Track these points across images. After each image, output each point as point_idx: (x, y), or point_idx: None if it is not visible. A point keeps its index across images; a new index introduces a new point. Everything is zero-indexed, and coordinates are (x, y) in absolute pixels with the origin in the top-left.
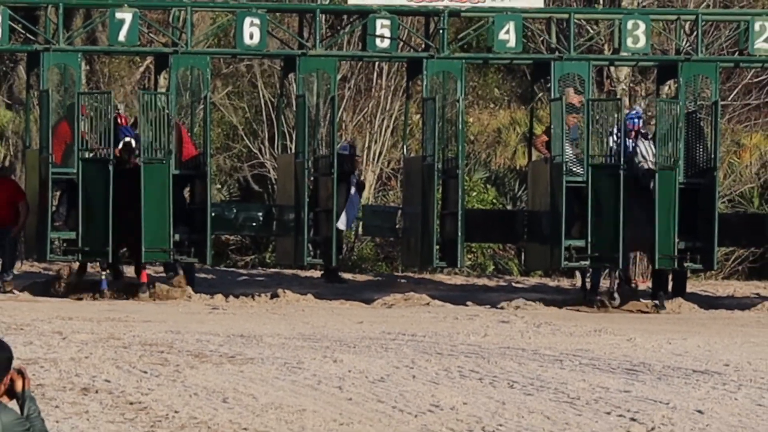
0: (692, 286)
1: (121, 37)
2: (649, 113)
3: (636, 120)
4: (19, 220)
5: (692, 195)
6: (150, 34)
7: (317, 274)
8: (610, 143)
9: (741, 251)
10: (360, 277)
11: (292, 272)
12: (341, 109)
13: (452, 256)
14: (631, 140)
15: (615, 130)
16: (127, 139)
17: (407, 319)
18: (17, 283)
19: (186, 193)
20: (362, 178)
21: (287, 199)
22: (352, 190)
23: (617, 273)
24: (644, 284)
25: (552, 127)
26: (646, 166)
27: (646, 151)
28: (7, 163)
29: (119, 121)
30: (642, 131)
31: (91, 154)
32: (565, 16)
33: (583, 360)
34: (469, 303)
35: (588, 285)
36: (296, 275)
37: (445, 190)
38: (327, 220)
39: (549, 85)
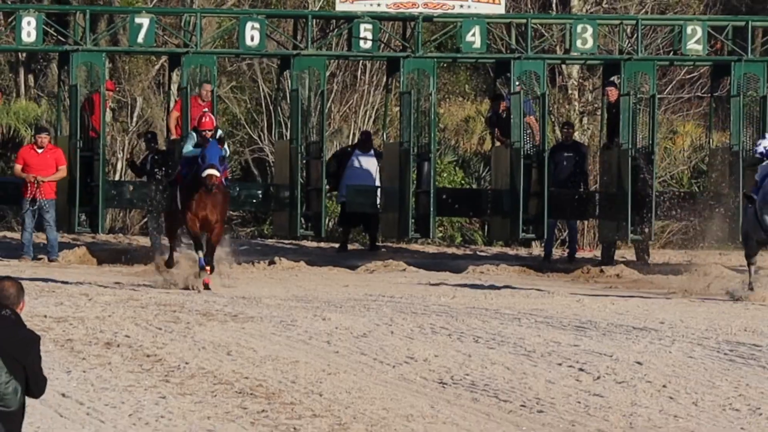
0: (631, 254)
1: (140, 39)
2: (595, 105)
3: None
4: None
5: (633, 174)
6: (164, 37)
7: (310, 244)
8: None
9: (675, 224)
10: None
11: (288, 242)
12: (329, 102)
13: (425, 229)
14: None
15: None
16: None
17: (387, 283)
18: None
19: None
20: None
21: (283, 179)
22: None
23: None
24: (590, 252)
25: (510, 116)
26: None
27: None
28: None
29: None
30: None
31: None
32: (523, 21)
33: (538, 318)
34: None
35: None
36: (291, 245)
37: (419, 171)
38: (317, 197)
39: (509, 80)
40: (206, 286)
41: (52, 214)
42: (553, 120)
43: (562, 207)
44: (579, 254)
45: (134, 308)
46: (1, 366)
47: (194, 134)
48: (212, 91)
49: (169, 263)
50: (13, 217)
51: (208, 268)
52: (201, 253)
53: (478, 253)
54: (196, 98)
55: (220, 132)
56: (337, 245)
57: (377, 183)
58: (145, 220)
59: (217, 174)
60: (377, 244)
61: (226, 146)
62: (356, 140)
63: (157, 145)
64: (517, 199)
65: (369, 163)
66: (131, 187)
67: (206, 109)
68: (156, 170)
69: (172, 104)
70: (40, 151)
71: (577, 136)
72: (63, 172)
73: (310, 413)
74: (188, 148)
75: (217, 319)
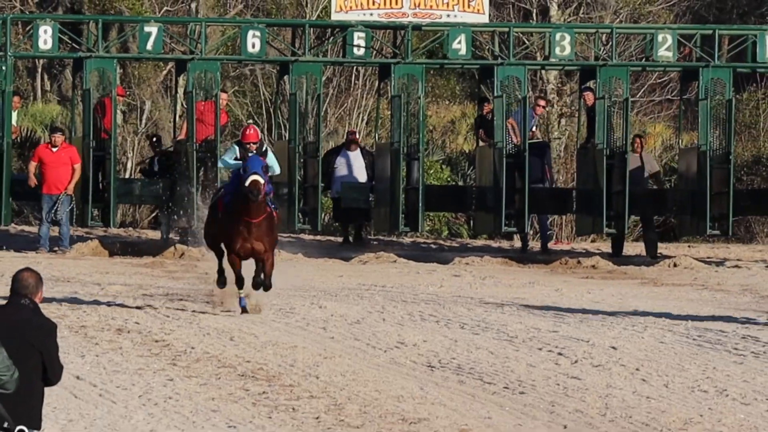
0: (606, 247)
1: (149, 46)
2: (573, 108)
3: None
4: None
5: (608, 173)
6: (171, 44)
7: (307, 237)
8: None
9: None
10: (341, 239)
11: (287, 236)
12: (325, 105)
13: (414, 223)
14: None
15: None
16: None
17: (378, 274)
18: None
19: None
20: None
21: (281, 176)
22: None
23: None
24: (568, 245)
25: (493, 118)
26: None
27: None
28: None
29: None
30: None
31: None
32: (506, 29)
33: (519, 306)
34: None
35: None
36: (290, 238)
37: (408, 169)
38: (314, 194)
39: (493, 85)
40: (244, 309)
41: (65, 208)
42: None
43: (543, 203)
44: (557, 246)
45: (143, 297)
46: (8, 359)
47: (236, 147)
48: (216, 95)
49: (221, 283)
50: (30, 212)
51: (253, 304)
52: (242, 292)
53: (463, 245)
54: (202, 103)
55: (266, 146)
56: (332, 239)
57: (364, 179)
58: (153, 214)
59: (261, 180)
60: (362, 237)
61: (274, 160)
62: (344, 140)
63: (162, 148)
64: (500, 196)
65: (356, 161)
66: (140, 185)
67: (250, 121)
68: (162, 170)
69: (179, 108)
70: (54, 149)
71: (556, 135)
72: (78, 170)
73: (308, 394)
74: (226, 159)
75: (221, 307)
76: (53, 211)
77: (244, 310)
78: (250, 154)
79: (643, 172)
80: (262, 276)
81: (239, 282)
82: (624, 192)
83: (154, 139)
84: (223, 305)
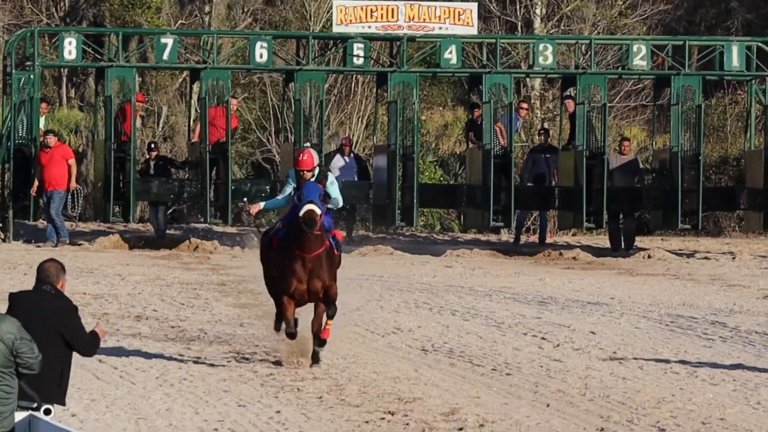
0: (588, 239)
1: (165, 56)
2: (555, 112)
3: None
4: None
5: (588, 172)
6: (186, 54)
7: None
8: None
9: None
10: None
11: None
12: (327, 110)
13: (410, 218)
14: None
15: None
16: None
17: (376, 265)
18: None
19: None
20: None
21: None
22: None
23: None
24: (551, 239)
25: (482, 122)
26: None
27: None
28: (80, 150)
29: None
30: None
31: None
32: (493, 40)
33: (506, 294)
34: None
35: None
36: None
37: (404, 169)
38: None
39: (481, 92)
40: (315, 357)
41: (56, 203)
42: (526, 126)
43: (527, 199)
44: (551, 240)
45: (160, 286)
46: (32, 341)
47: (292, 174)
48: (227, 101)
49: (278, 326)
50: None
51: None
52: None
53: (455, 239)
54: (214, 109)
55: (329, 173)
56: None
57: (355, 179)
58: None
59: (318, 210)
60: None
61: (336, 190)
62: (339, 145)
63: (157, 152)
64: (488, 193)
65: (349, 164)
66: (157, 183)
67: (307, 144)
68: (157, 172)
69: (193, 113)
70: (48, 150)
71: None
72: (73, 165)
73: (312, 376)
74: (276, 199)
75: (231, 296)
76: (67, 208)
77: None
78: (307, 182)
79: (632, 170)
80: (318, 335)
81: (289, 325)
82: (602, 189)
83: (152, 144)
84: (286, 360)
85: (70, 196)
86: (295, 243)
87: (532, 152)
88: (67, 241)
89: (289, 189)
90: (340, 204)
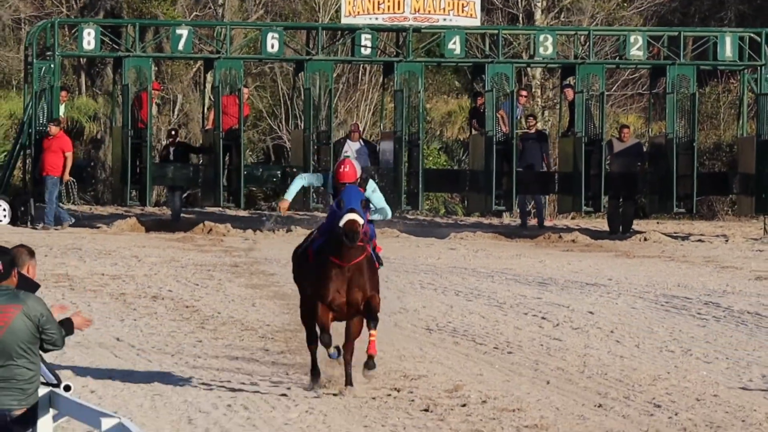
0: (587, 222)
1: (180, 46)
2: (555, 101)
3: None
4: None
5: (587, 158)
6: (200, 45)
7: (321, 214)
8: None
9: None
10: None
11: (302, 213)
12: (336, 98)
13: (415, 202)
14: None
15: None
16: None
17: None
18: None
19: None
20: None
21: (297, 162)
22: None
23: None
24: (551, 222)
25: (485, 110)
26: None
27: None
28: (98, 137)
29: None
30: None
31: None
32: (495, 31)
33: (508, 276)
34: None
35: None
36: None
37: (409, 155)
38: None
39: (484, 80)
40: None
41: (49, 188)
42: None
43: (528, 184)
44: (550, 223)
45: (176, 267)
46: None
47: (330, 181)
48: (240, 90)
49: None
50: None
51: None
52: (332, 349)
53: (458, 222)
54: (227, 97)
55: (371, 181)
56: None
57: (365, 164)
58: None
59: (360, 220)
60: None
61: (381, 199)
62: (348, 132)
63: (177, 139)
64: (491, 178)
65: (358, 150)
66: (173, 168)
67: (347, 153)
68: (177, 158)
69: (207, 101)
70: (50, 137)
71: (540, 125)
72: (69, 158)
73: (320, 357)
74: (307, 177)
75: (243, 276)
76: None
77: (333, 357)
78: (347, 186)
79: (635, 153)
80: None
81: (325, 340)
82: (600, 175)
83: (173, 131)
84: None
85: (63, 187)
86: (332, 252)
87: (522, 140)
88: (51, 228)
89: (301, 182)
90: (389, 216)
